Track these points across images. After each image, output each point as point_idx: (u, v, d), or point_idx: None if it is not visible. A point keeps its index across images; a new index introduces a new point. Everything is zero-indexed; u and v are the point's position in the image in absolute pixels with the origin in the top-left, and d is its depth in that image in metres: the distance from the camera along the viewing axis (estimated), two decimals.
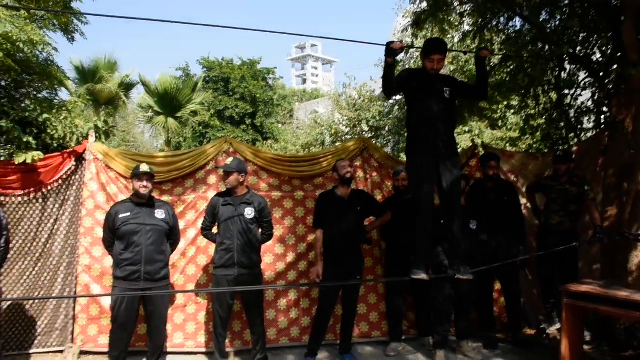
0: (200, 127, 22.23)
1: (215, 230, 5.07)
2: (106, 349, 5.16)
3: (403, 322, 5.83)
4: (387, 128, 16.60)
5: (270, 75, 27.21)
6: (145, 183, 4.68)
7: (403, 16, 13.18)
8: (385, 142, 16.74)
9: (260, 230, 5.06)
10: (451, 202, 4.04)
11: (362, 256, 5.30)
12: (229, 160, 5.03)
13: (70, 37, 6.88)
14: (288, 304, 5.76)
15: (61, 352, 5.35)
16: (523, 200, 6.16)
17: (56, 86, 6.47)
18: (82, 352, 5.34)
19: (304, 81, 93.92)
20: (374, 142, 10.77)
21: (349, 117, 18.25)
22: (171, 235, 4.87)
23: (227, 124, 23.44)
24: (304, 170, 6.00)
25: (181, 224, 5.56)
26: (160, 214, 4.77)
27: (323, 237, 5.22)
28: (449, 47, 5.07)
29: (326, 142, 19.90)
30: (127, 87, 15.41)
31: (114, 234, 4.68)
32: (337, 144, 15.53)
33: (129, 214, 4.65)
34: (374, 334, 5.84)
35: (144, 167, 4.72)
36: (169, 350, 5.37)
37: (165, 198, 5.57)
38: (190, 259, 5.58)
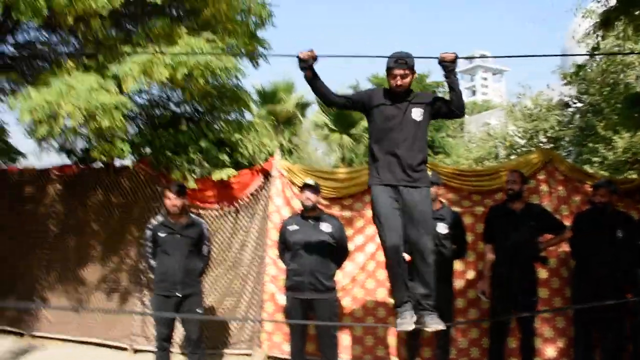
0: (363, 144, 22.61)
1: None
2: (290, 356, 5.47)
3: (596, 352, 5.28)
4: (566, 139, 15.41)
5: (440, 89, 26.79)
6: (308, 195, 4.85)
7: (583, 16, 12.08)
8: (566, 154, 15.54)
9: (454, 246, 4.99)
10: (419, 240, 3.54)
11: (534, 274, 4.97)
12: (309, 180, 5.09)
13: (255, 62, 7.42)
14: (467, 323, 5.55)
15: (249, 355, 5.74)
16: None
17: (243, 108, 7.05)
18: (269, 357, 5.67)
19: (474, 92, 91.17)
20: None
21: (524, 128, 17.27)
22: (338, 248, 4.92)
23: None
24: (484, 185, 5.77)
25: (360, 239, 5.71)
26: (325, 227, 4.86)
27: (493, 252, 5.01)
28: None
29: (500, 155, 19.04)
30: (302, 106, 16.32)
31: (285, 246, 4.95)
32: (517, 157, 14.74)
33: (297, 227, 4.87)
34: None
35: (309, 180, 4.98)
36: None
37: (345, 213, 5.75)
38: (370, 273, 5.66)
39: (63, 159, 7.30)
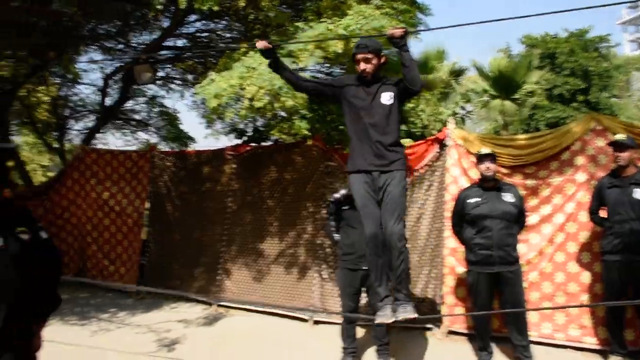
0: (527, 109, 21.20)
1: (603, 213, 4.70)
2: (472, 331, 5.28)
3: None
4: None
5: (603, 44, 24.27)
6: (488, 164, 4.64)
7: None
8: None
9: None
10: (387, 225, 3.44)
11: None
12: (620, 136, 4.63)
13: (415, 32, 7.16)
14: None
15: (430, 329, 5.63)
16: None
17: None
18: (450, 332, 5.51)
19: None
20: None
21: None
22: (519, 217, 4.71)
23: (556, 102, 21.74)
24: None
25: (547, 209, 5.31)
26: (508, 197, 4.65)
27: None
28: None
29: None
30: (457, 74, 15.71)
31: (462, 218, 4.78)
32: None
33: (478, 198, 4.67)
34: None
35: (485, 150, 4.78)
36: (536, 339, 5.11)
37: (529, 182, 5.37)
38: (559, 245, 5.23)
39: (232, 140, 7.69)
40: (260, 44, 3.63)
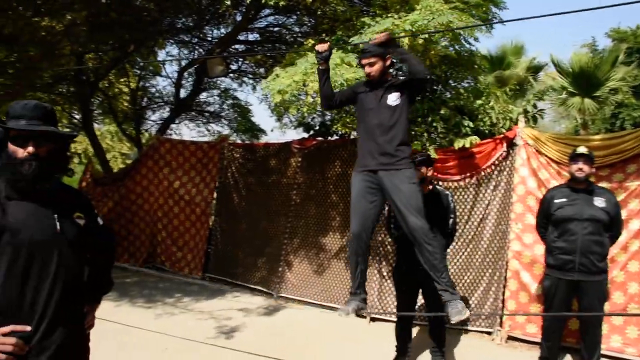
0: (609, 107, 19.96)
1: None
2: (533, 338, 5.14)
3: None
4: None
5: None
6: (581, 165, 4.33)
7: None
8: None
9: None
10: (407, 222, 3.42)
11: None
12: None
13: (489, 25, 6.93)
14: None
15: (489, 333, 5.48)
16: None
17: (476, 75, 6.65)
18: (510, 337, 5.34)
19: None
20: None
21: None
22: (611, 226, 4.36)
23: None
24: None
25: (622, 214, 5.00)
26: (599, 202, 4.33)
27: None
28: None
29: None
30: (535, 70, 15.07)
31: (548, 219, 4.51)
32: None
33: (565, 199, 4.40)
34: None
35: (581, 149, 4.43)
36: (605, 352, 4.85)
37: (602, 185, 5.08)
38: (634, 254, 4.94)
39: (300, 134, 7.77)
40: (321, 46, 3.76)
